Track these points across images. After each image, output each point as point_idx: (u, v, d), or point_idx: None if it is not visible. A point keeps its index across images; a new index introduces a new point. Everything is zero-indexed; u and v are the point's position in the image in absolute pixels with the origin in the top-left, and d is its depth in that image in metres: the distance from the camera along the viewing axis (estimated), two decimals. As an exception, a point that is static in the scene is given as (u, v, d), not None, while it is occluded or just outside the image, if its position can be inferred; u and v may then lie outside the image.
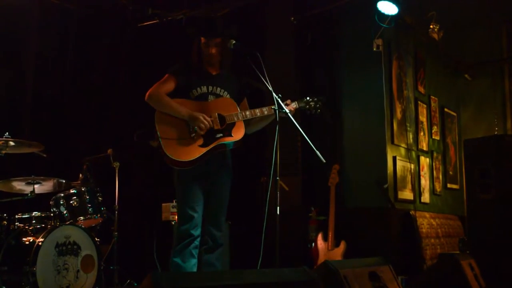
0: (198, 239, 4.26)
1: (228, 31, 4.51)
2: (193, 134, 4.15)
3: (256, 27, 7.10)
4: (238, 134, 4.33)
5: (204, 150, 4.17)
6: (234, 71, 4.58)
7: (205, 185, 4.31)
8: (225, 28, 4.56)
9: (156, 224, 6.29)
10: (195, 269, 4.23)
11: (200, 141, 4.18)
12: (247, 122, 4.40)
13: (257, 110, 4.36)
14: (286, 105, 4.36)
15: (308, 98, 4.60)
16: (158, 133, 4.11)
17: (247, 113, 4.35)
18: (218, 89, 4.39)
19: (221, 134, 4.26)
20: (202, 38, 4.39)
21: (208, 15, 6.81)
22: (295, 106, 4.49)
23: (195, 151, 4.14)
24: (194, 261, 4.24)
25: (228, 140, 4.28)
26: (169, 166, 4.20)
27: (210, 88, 4.37)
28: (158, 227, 6.24)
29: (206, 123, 4.17)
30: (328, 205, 6.22)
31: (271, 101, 4.25)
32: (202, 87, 4.34)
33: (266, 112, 4.35)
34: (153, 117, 4.22)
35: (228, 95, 4.42)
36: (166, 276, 2.40)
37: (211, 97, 4.35)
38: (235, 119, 4.31)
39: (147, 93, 4.25)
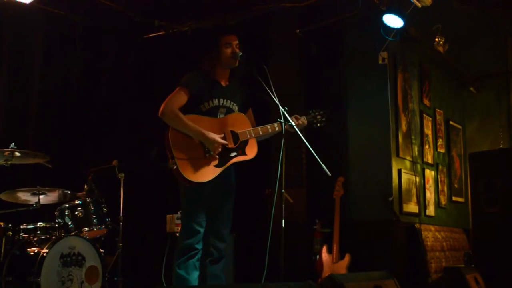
0: (200, 252, 4.27)
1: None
2: (208, 155, 4.14)
3: (261, 40, 7.12)
4: (251, 152, 4.34)
5: (219, 170, 4.17)
6: (240, 82, 4.57)
7: (211, 198, 4.31)
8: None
9: (160, 236, 6.29)
10: (197, 282, 4.24)
11: (215, 161, 4.16)
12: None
13: (269, 126, 4.37)
14: (297, 118, 4.40)
15: (313, 111, 4.62)
16: (173, 154, 4.07)
17: (259, 130, 4.35)
18: (228, 101, 4.38)
19: (235, 153, 4.26)
20: (223, 38, 4.37)
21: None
22: (305, 121, 4.51)
23: (211, 172, 4.13)
24: (197, 273, 4.24)
25: (242, 159, 4.29)
26: (180, 181, 4.18)
27: (222, 101, 4.35)
28: (163, 238, 6.24)
29: (220, 144, 4.16)
30: (333, 217, 6.21)
31: (277, 113, 4.26)
32: (214, 100, 4.31)
33: (277, 129, 4.37)
34: (161, 132, 4.18)
35: (237, 107, 4.42)
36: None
37: (221, 110, 4.34)
38: (248, 136, 4.31)
39: (161, 109, 4.16)
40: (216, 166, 4.16)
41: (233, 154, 4.24)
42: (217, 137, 4.15)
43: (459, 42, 8.05)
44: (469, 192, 6.56)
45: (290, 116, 4.30)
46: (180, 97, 4.22)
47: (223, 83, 4.42)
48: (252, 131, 4.33)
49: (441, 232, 7.31)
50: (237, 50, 4.35)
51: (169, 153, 4.11)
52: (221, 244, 4.36)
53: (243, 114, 4.43)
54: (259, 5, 6.81)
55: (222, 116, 4.33)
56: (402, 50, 7.10)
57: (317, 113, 4.61)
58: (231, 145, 4.24)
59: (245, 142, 4.31)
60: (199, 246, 4.24)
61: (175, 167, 4.05)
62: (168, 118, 4.15)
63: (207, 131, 4.15)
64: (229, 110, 4.37)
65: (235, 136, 4.27)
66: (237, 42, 4.39)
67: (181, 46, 7.11)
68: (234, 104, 4.40)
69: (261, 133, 4.35)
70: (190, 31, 7.12)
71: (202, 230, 4.24)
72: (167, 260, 5.88)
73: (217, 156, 4.17)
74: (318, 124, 4.59)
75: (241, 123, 4.36)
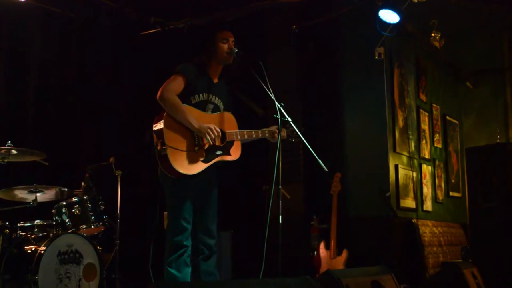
0: (190, 248, 4.27)
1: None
2: (197, 148, 4.15)
3: (258, 36, 7.12)
4: (236, 154, 4.38)
5: (205, 166, 4.18)
6: (227, 83, 4.58)
7: (196, 195, 4.31)
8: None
9: (157, 233, 6.28)
10: (189, 278, 4.25)
11: (202, 156, 4.17)
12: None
13: (253, 132, 4.42)
14: (282, 130, 4.39)
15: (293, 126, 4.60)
16: (165, 139, 4.07)
17: (245, 134, 4.39)
18: (216, 98, 4.40)
19: (221, 152, 4.28)
20: (220, 34, 4.37)
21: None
22: (284, 134, 4.50)
23: (197, 166, 4.14)
24: (188, 269, 4.25)
25: (227, 159, 4.31)
26: (163, 172, 4.17)
27: (211, 96, 4.36)
28: (159, 235, 6.23)
29: (216, 134, 4.17)
30: (330, 213, 6.22)
31: (258, 120, 4.28)
32: (203, 94, 4.33)
33: (261, 135, 4.43)
34: (152, 119, 4.17)
35: (223, 106, 4.43)
36: (169, 287, 2.39)
37: (209, 106, 4.36)
38: (234, 138, 4.34)
39: (159, 93, 4.13)
40: (203, 161, 4.17)
41: (218, 152, 4.25)
42: (212, 125, 4.17)
43: (456, 38, 8.05)
44: (466, 187, 6.56)
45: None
46: (177, 84, 4.21)
47: (214, 80, 4.43)
48: (238, 133, 4.37)
49: (438, 227, 7.33)
50: (233, 47, 4.36)
51: (159, 139, 4.08)
52: (210, 240, 4.37)
53: (232, 116, 4.45)
54: (255, 1, 6.81)
55: (209, 112, 4.35)
56: (399, 45, 7.11)
57: (294, 129, 4.59)
58: (218, 143, 4.25)
59: (231, 143, 4.33)
60: (188, 243, 4.24)
61: (163, 154, 4.03)
62: (167, 103, 4.12)
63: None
64: (216, 107, 4.39)
65: (223, 135, 4.28)
66: (233, 38, 4.40)
67: (178, 43, 7.10)
68: (221, 102, 4.43)
69: (246, 136, 4.41)
70: (187, 28, 7.11)
71: (189, 226, 4.25)
72: (157, 255, 5.89)
73: (204, 151, 4.18)
74: (293, 140, 4.60)
75: (229, 124, 4.39)
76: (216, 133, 4.17)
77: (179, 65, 4.33)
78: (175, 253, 4.21)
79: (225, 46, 4.35)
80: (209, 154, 4.21)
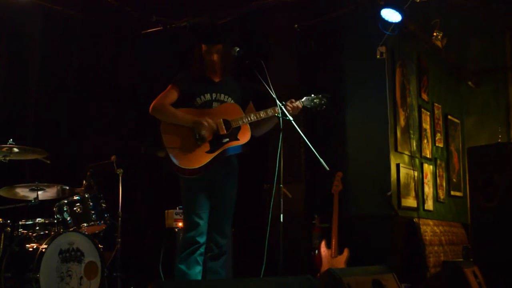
0: (203, 246, 4.26)
1: (229, 38, 4.51)
2: (200, 142, 4.15)
3: (259, 34, 7.11)
4: (244, 137, 4.32)
5: (212, 155, 4.16)
6: (236, 76, 4.57)
7: (212, 192, 4.31)
8: (227, 35, 4.56)
9: (159, 231, 6.29)
10: (199, 277, 4.23)
11: (207, 147, 4.17)
12: (254, 125, 4.40)
13: (262, 112, 4.36)
14: (292, 102, 4.38)
15: (312, 95, 4.60)
16: (164, 143, 4.10)
17: (252, 116, 4.33)
18: (222, 95, 4.39)
19: (228, 139, 4.26)
20: (203, 46, 4.39)
21: (208, 22, 6.81)
22: (300, 104, 4.48)
23: (203, 158, 4.13)
24: (199, 268, 4.23)
25: (235, 144, 4.27)
26: (176, 174, 4.20)
27: (214, 95, 4.36)
28: (162, 234, 6.24)
29: (209, 126, 4.16)
30: (332, 212, 6.21)
31: (274, 105, 4.28)
32: (206, 94, 4.34)
33: (270, 113, 4.34)
34: (157, 127, 4.21)
35: (232, 101, 4.42)
36: (170, 285, 2.39)
37: (215, 104, 4.35)
38: (240, 123, 4.31)
39: (151, 106, 4.22)
40: (208, 152, 4.16)
41: (225, 140, 4.24)
42: (204, 119, 4.17)
43: (458, 37, 8.04)
44: (468, 187, 6.56)
45: (285, 101, 4.31)
46: (170, 94, 4.30)
47: (215, 79, 4.43)
48: (244, 117, 4.33)
49: (439, 227, 7.32)
50: (215, 59, 4.34)
51: (161, 143, 4.13)
52: (221, 239, 4.35)
53: (235, 103, 4.42)
54: (258, 0, 6.80)
55: None
56: (400, 44, 7.10)
57: (315, 98, 4.57)
58: (223, 132, 4.24)
59: (238, 129, 4.31)
60: (201, 240, 4.22)
61: (164, 154, 4.07)
62: (158, 112, 4.22)
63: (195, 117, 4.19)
64: (223, 103, 4.39)
65: (227, 123, 4.27)
66: (220, 47, 4.37)
67: (179, 41, 7.10)
68: (229, 98, 4.40)
69: (253, 118, 4.33)
70: (188, 26, 7.11)
71: (202, 222, 4.23)
72: (160, 253, 5.90)
73: (208, 142, 4.18)
74: (318, 108, 4.57)
75: (234, 112, 4.35)
76: (208, 125, 4.15)
77: (177, 75, 4.37)
78: (186, 250, 4.20)
79: (209, 58, 4.36)
80: (214, 144, 4.21)
